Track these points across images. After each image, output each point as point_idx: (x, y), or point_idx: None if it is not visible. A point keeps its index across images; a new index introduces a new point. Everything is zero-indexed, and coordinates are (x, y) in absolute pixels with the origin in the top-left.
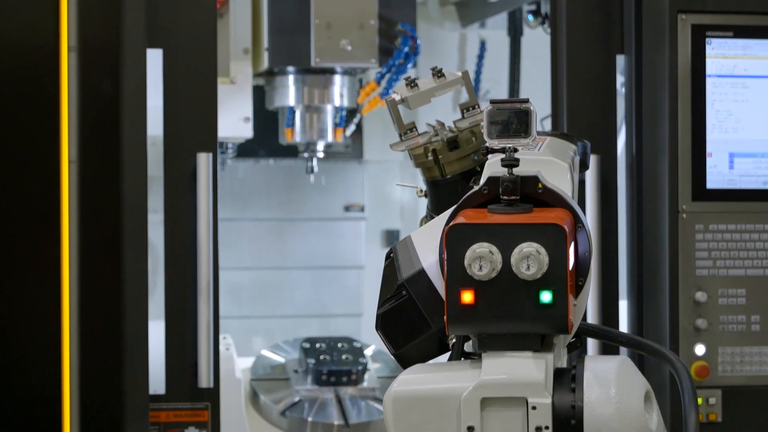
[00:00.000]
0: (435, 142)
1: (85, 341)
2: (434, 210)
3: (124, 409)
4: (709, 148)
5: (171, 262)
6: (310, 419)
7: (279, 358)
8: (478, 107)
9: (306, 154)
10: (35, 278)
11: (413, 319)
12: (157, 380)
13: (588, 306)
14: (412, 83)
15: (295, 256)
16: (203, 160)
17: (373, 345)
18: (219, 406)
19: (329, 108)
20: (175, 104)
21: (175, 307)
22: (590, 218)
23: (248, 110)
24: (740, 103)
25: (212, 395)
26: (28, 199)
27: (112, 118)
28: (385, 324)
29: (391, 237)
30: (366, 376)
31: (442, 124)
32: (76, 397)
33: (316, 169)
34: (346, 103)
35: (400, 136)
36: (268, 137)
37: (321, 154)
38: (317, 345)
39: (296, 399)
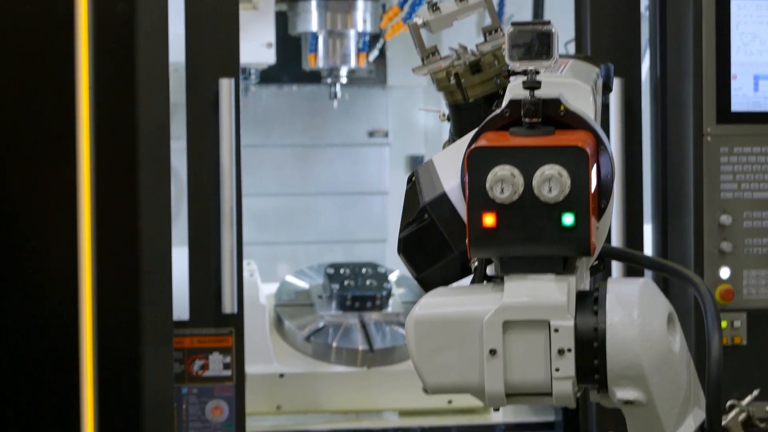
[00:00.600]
0: (457, 66)
1: (103, 269)
2: (457, 134)
3: (147, 335)
4: (733, 71)
5: (194, 188)
6: (334, 344)
7: (303, 284)
8: (501, 31)
9: (329, 80)
10: (53, 205)
11: (435, 242)
12: (181, 307)
13: (612, 230)
14: (434, 7)
15: (319, 182)
16: (225, 85)
17: (398, 270)
18: (243, 332)
19: (352, 33)
20: (197, 30)
21: (198, 233)
22: (614, 142)
23: (271, 36)
24: (765, 26)
25: (236, 321)
26: (43, 123)
27: (128, 41)
28: (407, 248)
29: (415, 162)
30: (390, 301)
31: (465, 48)
32: (95, 324)
33: (339, 94)
34: (369, 28)
35: (423, 60)
36: (291, 63)
37: (344, 80)
38: (341, 270)
39: (320, 324)
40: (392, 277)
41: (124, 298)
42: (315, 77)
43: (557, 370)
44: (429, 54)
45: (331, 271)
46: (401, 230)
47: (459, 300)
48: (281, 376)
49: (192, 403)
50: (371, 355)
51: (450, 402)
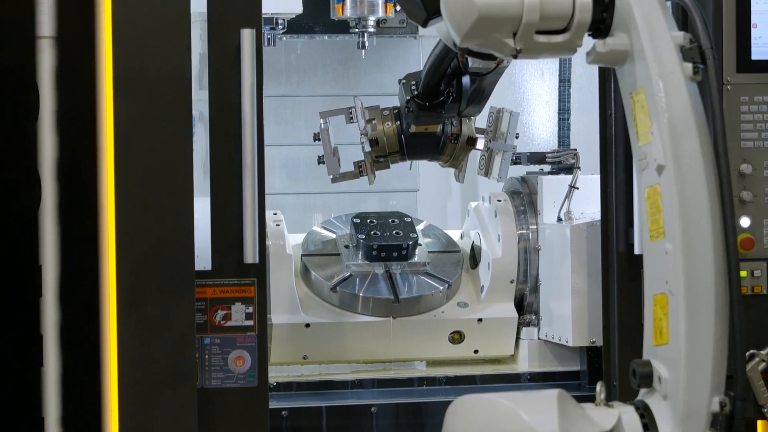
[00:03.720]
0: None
1: (124, 219)
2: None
3: (169, 285)
4: (753, 19)
5: (216, 138)
6: (361, 294)
7: (330, 234)
8: None
9: (357, 30)
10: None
11: None
12: (203, 257)
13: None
14: None
15: (351, 132)
16: (247, 36)
17: (425, 221)
18: (265, 282)
19: None
20: None
21: (220, 183)
22: None
23: None
24: None
25: (258, 271)
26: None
27: None
28: None
29: None
30: (417, 251)
31: None
32: (118, 275)
33: (367, 44)
34: None
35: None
36: (323, 13)
37: (372, 29)
38: (368, 220)
39: (347, 274)
40: (419, 227)
41: (146, 248)
42: (346, 27)
43: None
44: None
45: (358, 220)
46: None
47: None
48: (307, 326)
49: (214, 353)
50: (397, 305)
51: (476, 351)
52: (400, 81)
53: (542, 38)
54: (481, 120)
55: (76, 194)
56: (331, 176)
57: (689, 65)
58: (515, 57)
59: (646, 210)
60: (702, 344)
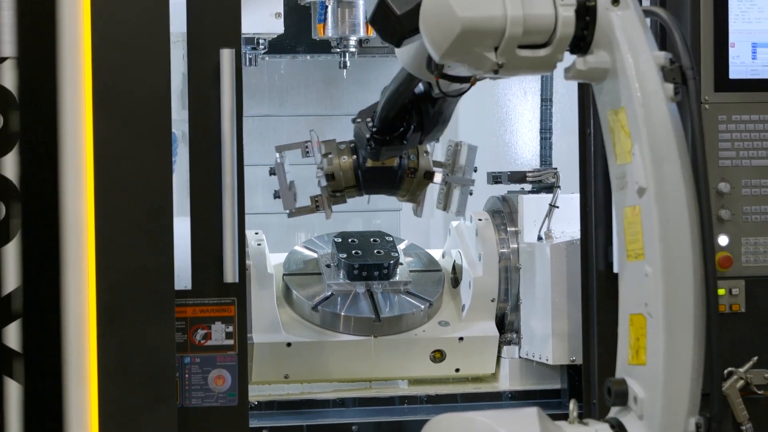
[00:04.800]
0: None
1: (104, 238)
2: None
3: (149, 304)
4: (731, 39)
5: (196, 158)
6: (342, 313)
7: (312, 253)
8: None
9: (339, 50)
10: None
11: None
12: (184, 276)
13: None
14: None
15: None
16: (227, 56)
17: (406, 240)
18: (245, 302)
19: (361, 2)
20: (199, 0)
21: (200, 203)
22: None
23: (279, 6)
24: None
25: (238, 290)
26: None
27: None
28: None
29: None
30: (398, 270)
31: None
32: (97, 294)
33: (348, 64)
34: None
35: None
36: (305, 33)
37: (353, 49)
38: (350, 239)
39: (328, 293)
40: (401, 246)
41: (126, 268)
42: (328, 47)
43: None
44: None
45: (339, 240)
46: None
47: None
48: (289, 345)
49: (194, 372)
50: (379, 324)
51: (457, 370)
52: (353, 120)
53: (524, 52)
54: (438, 152)
55: (37, 214)
56: (288, 211)
57: (670, 86)
58: (495, 72)
59: (623, 229)
60: (680, 367)
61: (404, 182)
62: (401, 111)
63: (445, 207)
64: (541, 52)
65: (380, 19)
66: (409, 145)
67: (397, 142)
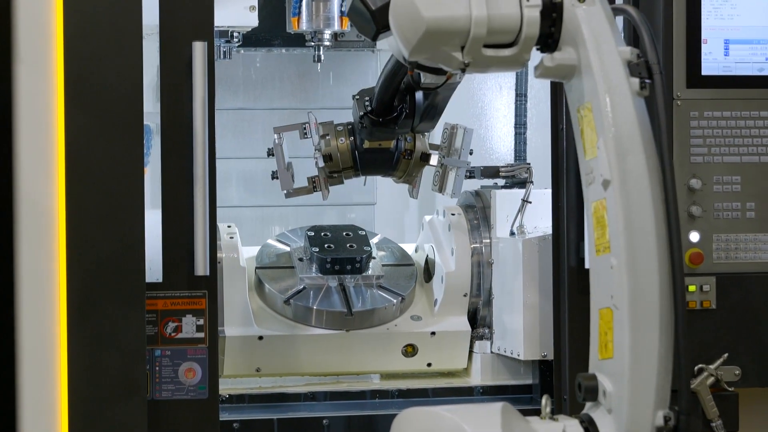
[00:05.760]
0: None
1: (75, 230)
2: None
3: (119, 296)
4: (704, 35)
5: (168, 150)
6: (314, 307)
7: (284, 247)
8: None
9: (313, 43)
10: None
11: None
12: (155, 269)
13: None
14: None
15: (309, 145)
16: (199, 48)
17: (379, 234)
18: (216, 294)
19: None
20: None
21: (171, 195)
22: None
23: None
24: None
25: (209, 283)
26: None
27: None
28: None
29: None
30: (370, 265)
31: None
32: (67, 285)
33: (323, 58)
34: None
35: None
36: (281, 26)
37: (328, 43)
38: (322, 233)
39: (301, 287)
40: (374, 240)
41: (97, 260)
42: (303, 41)
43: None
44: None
45: (312, 233)
46: None
47: None
48: (260, 338)
49: (165, 365)
50: (351, 318)
51: (429, 365)
52: (353, 96)
53: (490, 52)
54: (435, 135)
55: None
56: (285, 191)
57: (636, 80)
58: (463, 71)
59: (592, 224)
60: (646, 359)
61: (400, 164)
62: (394, 95)
63: (441, 189)
64: (506, 52)
65: (356, 13)
66: (399, 131)
67: (390, 125)
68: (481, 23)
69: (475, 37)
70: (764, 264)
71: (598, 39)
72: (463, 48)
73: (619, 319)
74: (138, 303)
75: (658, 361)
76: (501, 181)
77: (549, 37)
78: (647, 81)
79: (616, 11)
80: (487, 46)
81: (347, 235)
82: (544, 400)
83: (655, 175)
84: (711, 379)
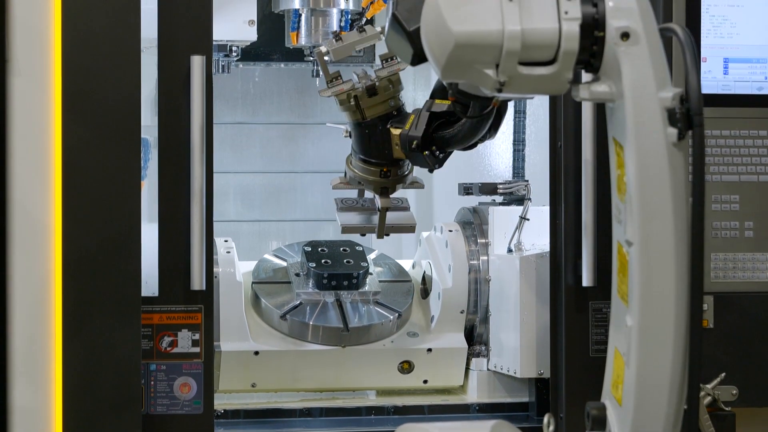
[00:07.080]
0: (357, 89)
1: (72, 242)
2: (358, 150)
3: (115, 310)
4: (703, 53)
5: (165, 164)
6: (310, 323)
7: (281, 262)
8: (396, 59)
9: (312, 58)
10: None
11: None
12: (151, 283)
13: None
14: (337, 37)
15: (307, 160)
16: (197, 62)
17: (376, 250)
18: (212, 309)
19: (335, 11)
20: (170, 7)
21: (168, 209)
22: (585, 126)
23: (252, 13)
24: (735, 8)
25: (205, 298)
26: None
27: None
28: None
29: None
30: (367, 280)
31: (366, 73)
32: (64, 298)
33: (321, 73)
34: (351, 6)
35: (327, 83)
36: (280, 41)
37: (326, 58)
38: (319, 249)
39: (297, 302)
40: (371, 256)
41: (92, 273)
42: (303, 55)
43: (566, 12)
44: (332, 78)
45: (309, 249)
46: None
47: None
48: (256, 353)
49: (160, 380)
50: (347, 334)
51: (426, 381)
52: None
53: (526, 70)
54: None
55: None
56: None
57: (674, 131)
58: (500, 92)
59: (616, 259)
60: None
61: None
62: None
63: None
64: (544, 70)
65: (393, 38)
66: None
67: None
68: (514, 37)
69: (509, 51)
70: (762, 283)
71: (637, 84)
72: (497, 66)
73: (630, 379)
74: (133, 317)
75: (665, 419)
76: (499, 198)
77: (592, 57)
78: (685, 132)
79: (664, 30)
80: (523, 64)
81: (344, 250)
82: (547, 419)
83: (682, 237)
84: (708, 399)
